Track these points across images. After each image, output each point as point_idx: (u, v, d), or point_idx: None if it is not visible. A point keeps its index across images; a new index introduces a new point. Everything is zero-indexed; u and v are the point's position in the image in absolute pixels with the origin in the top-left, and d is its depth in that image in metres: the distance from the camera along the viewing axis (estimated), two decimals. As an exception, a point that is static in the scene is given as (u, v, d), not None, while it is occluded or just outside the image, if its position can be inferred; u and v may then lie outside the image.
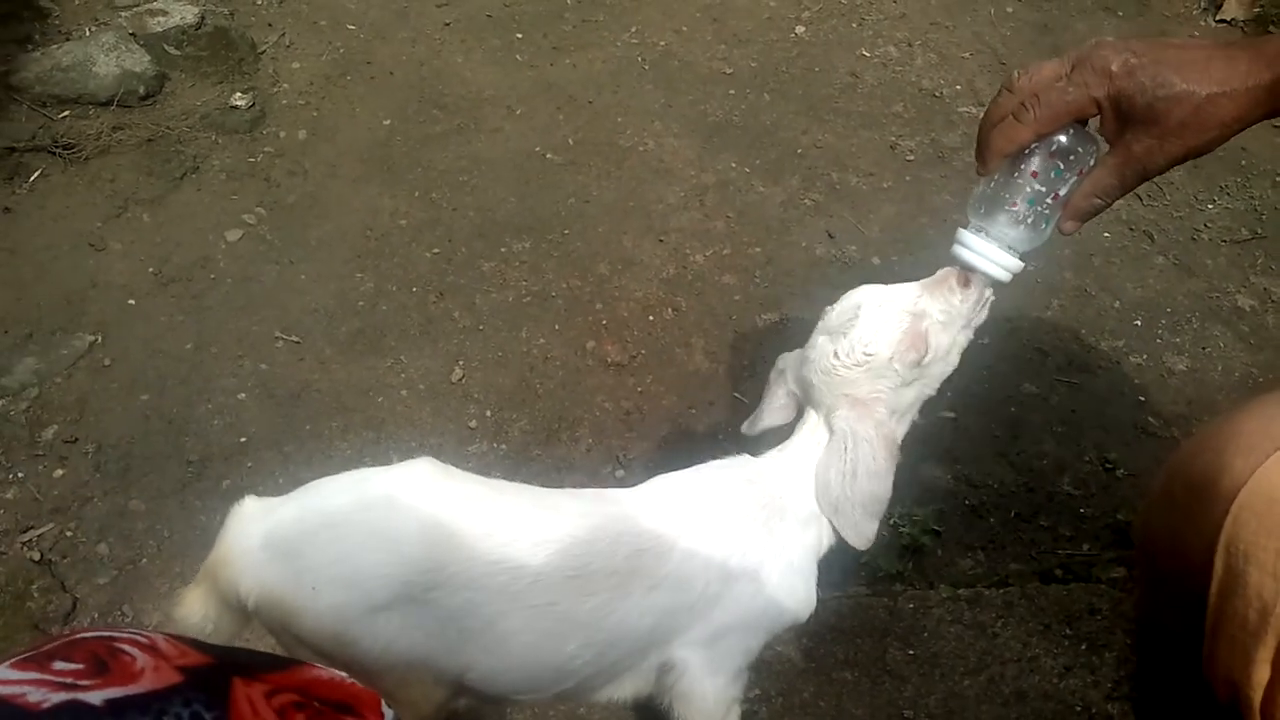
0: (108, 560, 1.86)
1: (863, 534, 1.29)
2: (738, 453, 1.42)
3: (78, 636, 0.63)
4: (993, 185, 1.21)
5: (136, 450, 2.02)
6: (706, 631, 1.29)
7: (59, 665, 0.60)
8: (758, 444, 1.42)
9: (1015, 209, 1.19)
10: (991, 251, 1.23)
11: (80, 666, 0.60)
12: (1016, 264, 1.24)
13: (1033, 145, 1.15)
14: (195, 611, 1.20)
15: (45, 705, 0.56)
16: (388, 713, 0.69)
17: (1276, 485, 0.76)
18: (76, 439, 2.03)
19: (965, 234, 1.25)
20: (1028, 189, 1.18)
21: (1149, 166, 1.05)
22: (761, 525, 1.31)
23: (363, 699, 0.69)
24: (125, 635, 0.64)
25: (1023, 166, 1.17)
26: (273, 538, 1.17)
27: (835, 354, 1.30)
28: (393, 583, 1.15)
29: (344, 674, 0.71)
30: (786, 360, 1.43)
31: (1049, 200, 1.18)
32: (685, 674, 1.30)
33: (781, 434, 1.41)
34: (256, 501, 1.22)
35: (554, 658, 1.24)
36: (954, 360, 1.34)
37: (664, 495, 1.35)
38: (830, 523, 1.32)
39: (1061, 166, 1.16)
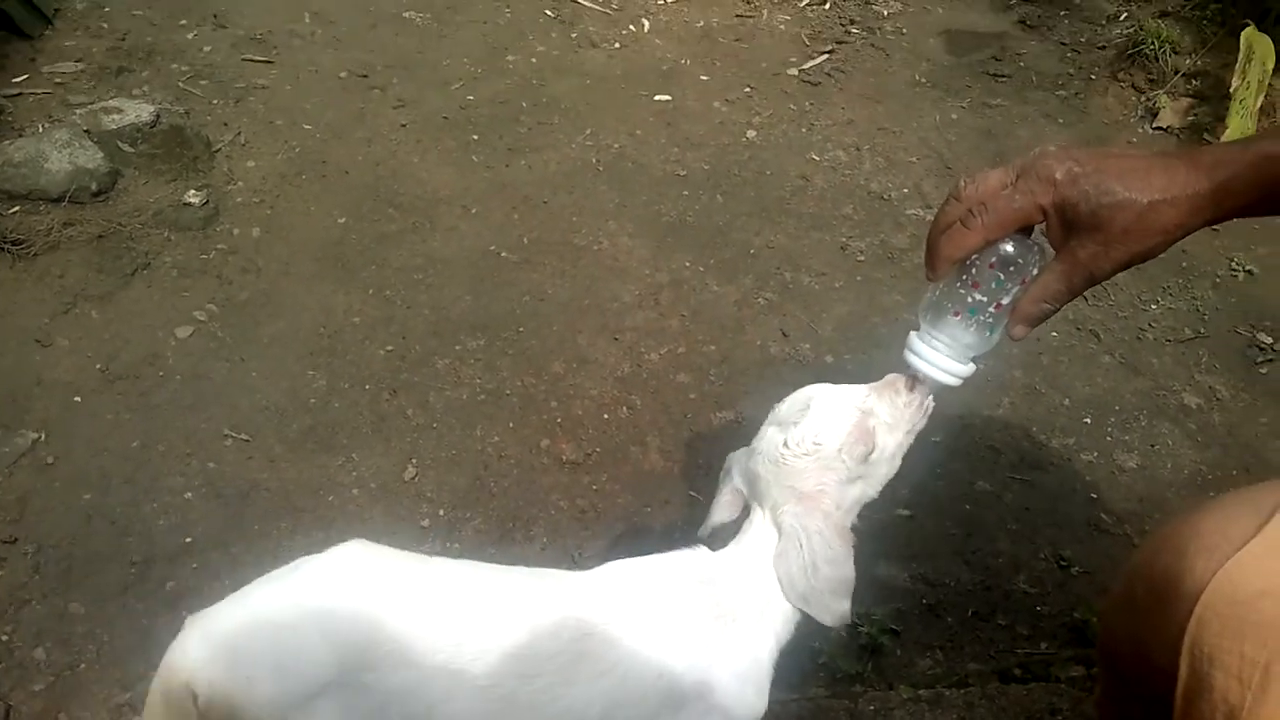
0: (44, 666, 1.80)
1: (836, 614, 1.29)
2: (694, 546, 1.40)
3: None
4: (939, 292, 1.23)
5: (78, 551, 1.97)
6: None
7: None
8: (713, 539, 1.41)
9: (959, 318, 1.22)
10: (937, 358, 1.25)
11: None
12: (963, 369, 1.26)
13: (975, 256, 1.17)
14: None
15: None
16: None
17: (1238, 587, 0.76)
18: (16, 539, 1.97)
19: (914, 339, 1.27)
20: (969, 299, 1.20)
21: (1095, 272, 1.07)
22: (712, 629, 1.30)
23: None
24: None
25: (964, 277, 1.20)
26: (209, 635, 1.14)
27: (785, 443, 1.31)
28: (325, 667, 1.12)
29: None
30: (733, 458, 1.44)
31: (992, 309, 1.20)
32: None
33: (732, 529, 1.40)
34: (196, 616, 1.18)
35: None
36: (896, 463, 1.37)
37: (616, 581, 1.33)
38: (785, 617, 1.32)
39: (1003, 277, 1.18)
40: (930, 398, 1.35)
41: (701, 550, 1.38)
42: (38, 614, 1.87)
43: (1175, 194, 1.00)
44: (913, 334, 1.28)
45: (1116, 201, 1.01)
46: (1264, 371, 2.64)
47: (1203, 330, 2.77)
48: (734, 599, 1.32)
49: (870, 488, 1.36)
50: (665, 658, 1.26)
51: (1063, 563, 2.14)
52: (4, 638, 1.83)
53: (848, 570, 1.29)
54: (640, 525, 2.12)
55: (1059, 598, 2.08)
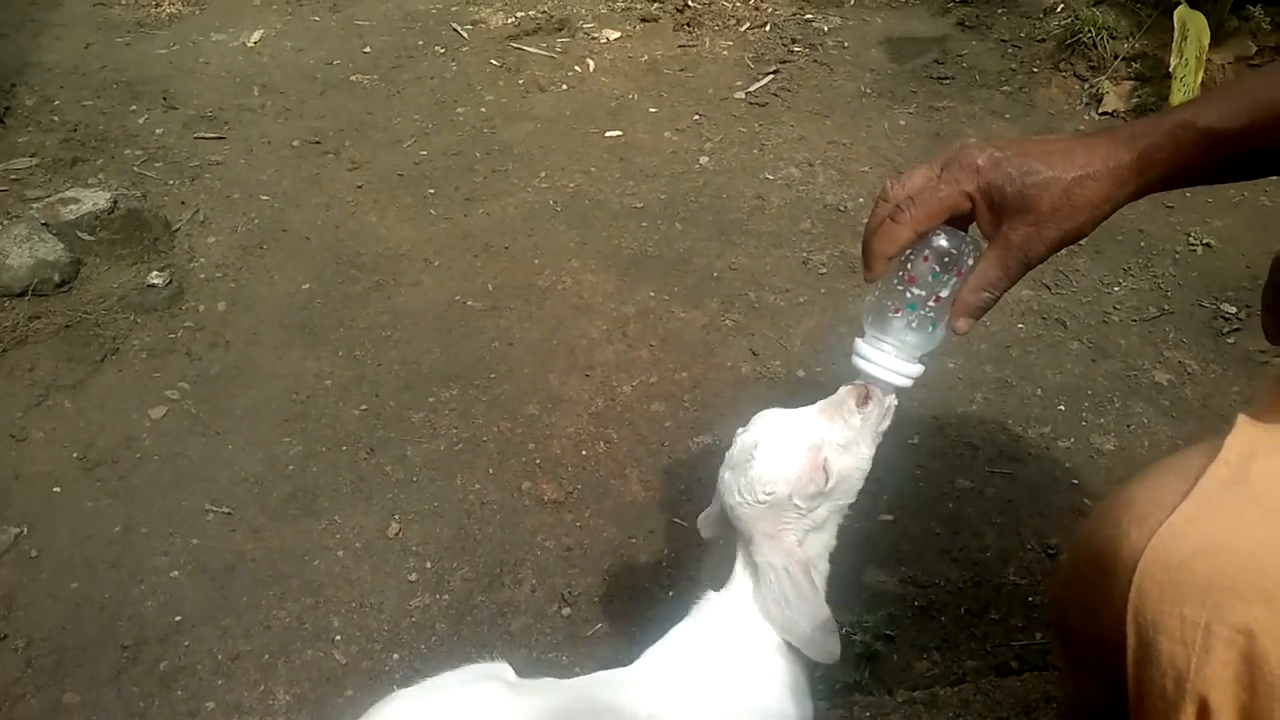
0: (42, 760, 1.80)
1: (825, 650, 1.31)
2: (696, 592, 1.43)
3: None
4: (879, 293, 1.24)
5: (69, 641, 1.96)
6: None
7: None
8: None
9: (898, 315, 1.22)
10: (885, 360, 1.24)
11: None
12: (912, 369, 1.26)
13: (908, 253, 1.18)
14: None
15: None
16: None
17: (1172, 551, 0.77)
18: (6, 635, 1.97)
19: (859, 344, 1.27)
20: (907, 294, 1.21)
21: (1029, 254, 1.08)
22: (749, 667, 1.34)
23: None
24: None
25: (900, 274, 1.20)
26: None
27: (738, 491, 1.32)
28: None
29: None
30: (719, 478, 1.45)
31: (931, 304, 1.21)
32: None
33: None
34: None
35: None
36: (866, 468, 1.36)
37: (664, 667, 1.38)
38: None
39: (938, 269, 1.19)
40: (892, 398, 1.35)
41: (708, 600, 1.40)
42: (33, 709, 1.86)
43: (1097, 168, 1.01)
44: (858, 340, 1.29)
45: (1041, 180, 1.02)
46: (1231, 341, 2.67)
47: (1167, 307, 2.79)
48: (749, 636, 1.35)
49: (843, 498, 1.36)
50: (722, 714, 1.32)
51: (1050, 551, 2.15)
52: (0, 735, 1.83)
53: (818, 604, 1.30)
54: (627, 558, 2.13)
55: (1049, 587, 2.08)
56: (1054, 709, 1.76)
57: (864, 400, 1.30)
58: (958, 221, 1.16)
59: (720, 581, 1.42)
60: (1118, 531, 0.81)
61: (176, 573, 2.09)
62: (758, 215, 3.12)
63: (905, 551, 2.14)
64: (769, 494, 1.29)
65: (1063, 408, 2.49)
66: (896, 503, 2.19)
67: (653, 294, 2.81)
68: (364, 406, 2.46)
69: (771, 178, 3.29)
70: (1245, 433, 0.83)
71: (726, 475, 1.34)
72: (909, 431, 2.36)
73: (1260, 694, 0.73)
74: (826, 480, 1.30)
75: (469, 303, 2.78)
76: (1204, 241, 2.99)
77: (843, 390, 1.32)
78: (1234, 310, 2.75)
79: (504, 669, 1.34)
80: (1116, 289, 2.85)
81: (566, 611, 2.03)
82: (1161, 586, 0.77)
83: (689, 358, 2.61)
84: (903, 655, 1.96)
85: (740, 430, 1.38)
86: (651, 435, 2.39)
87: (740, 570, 1.37)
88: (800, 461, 1.29)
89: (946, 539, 2.17)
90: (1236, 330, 2.69)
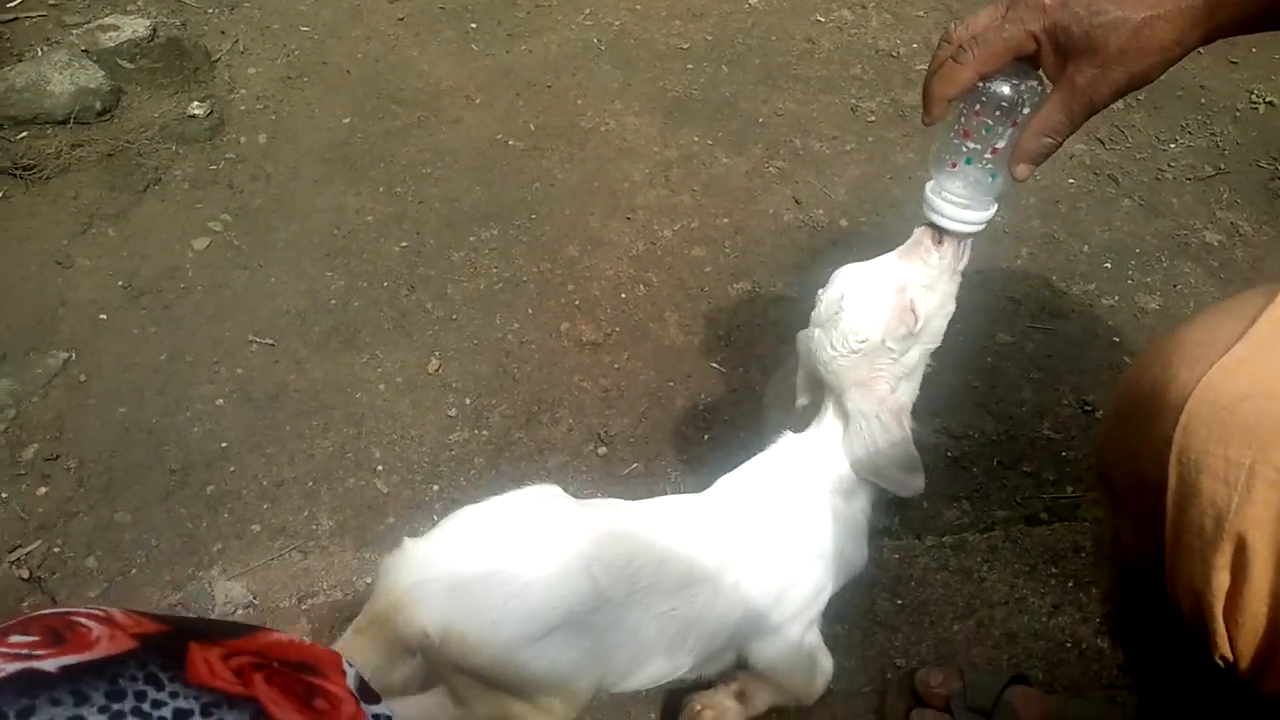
0: (97, 573, 1.86)
1: (909, 486, 1.37)
2: (776, 434, 1.50)
3: (35, 614, 0.64)
4: (939, 144, 1.24)
5: (118, 463, 2.02)
6: (788, 609, 1.41)
7: (15, 639, 0.60)
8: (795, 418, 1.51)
9: (955, 170, 1.22)
10: (948, 209, 1.25)
11: (36, 639, 0.61)
12: (979, 216, 1.26)
13: (963, 106, 1.16)
14: (357, 661, 1.25)
15: (1, 675, 0.57)
16: (349, 671, 0.70)
17: (1221, 392, 0.77)
18: (58, 456, 2.02)
19: (927, 193, 1.28)
20: (963, 148, 1.20)
21: (1095, 98, 1.05)
22: (813, 508, 1.41)
23: (323, 659, 0.69)
24: (82, 610, 0.64)
25: (956, 127, 1.19)
26: (451, 580, 1.22)
27: (830, 345, 1.35)
28: (562, 612, 1.22)
29: (303, 638, 0.71)
30: (800, 339, 1.49)
31: (988, 156, 1.19)
32: (770, 638, 1.41)
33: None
34: (416, 544, 1.27)
35: (677, 654, 1.34)
36: (950, 308, 1.40)
37: (734, 496, 1.44)
38: (865, 486, 1.42)
39: (991, 122, 1.17)
40: (968, 240, 1.34)
41: (786, 439, 1.47)
42: (86, 525, 1.92)
43: (1168, 8, 0.97)
44: (926, 187, 1.29)
45: (1109, 21, 0.99)
46: (1288, 203, 2.61)
47: (1223, 166, 2.72)
48: (822, 478, 1.41)
49: (930, 343, 1.41)
50: (786, 550, 1.40)
51: (1086, 407, 2.15)
52: (56, 549, 1.89)
53: (908, 447, 1.36)
54: (664, 400, 2.15)
55: (1084, 442, 2.09)
56: (1082, 558, 1.78)
57: (939, 239, 1.31)
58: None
59: (802, 425, 1.47)
60: (1167, 372, 0.80)
61: (221, 401, 2.13)
62: (806, 59, 3.04)
63: (941, 403, 2.14)
64: (862, 341, 1.33)
65: (1109, 265, 2.46)
66: (935, 354, 2.17)
67: (696, 138, 2.77)
68: (405, 243, 2.47)
69: (822, 20, 3.19)
70: (1306, 277, 0.81)
71: (816, 333, 1.38)
72: None
73: (1299, 534, 0.73)
74: (915, 321, 1.33)
75: (510, 142, 2.75)
76: (1267, 100, 2.89)
77: (918, 232, 1.34)
78: (1293, 171, 2.68)
79: (556, 489, 1.39)
80: (1172, 146, 2.78)
81: (602, 451, 2.06)
82: (1208, 427, 0.77)
83: (731, 203, 2.58)
84: (933, 504, 1.98)
85: (821, 290, 1.40)
86: (691, 280, 2.39)
87: (830, 418, 1.42)
88: (888, 305, 1.32)
89: (983, 392, 2.17)
90: (1296, 191, 2.63)
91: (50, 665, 0.58)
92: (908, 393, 1.42)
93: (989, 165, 1.21)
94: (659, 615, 1.30)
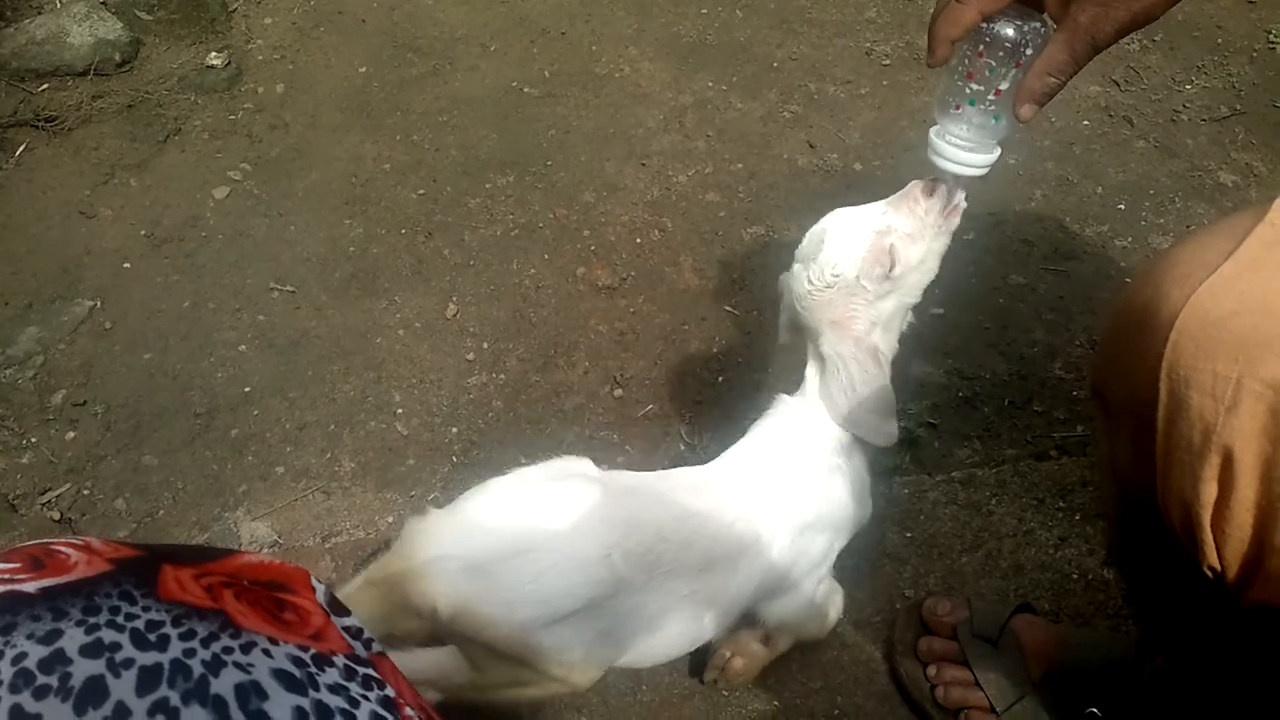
0: (126, 515, 1.91)
1: (883, 433, 1.41)
2: (771, 395, 1.51)
3: (17, 546, 0.68)
4: (943, 87, 1.24)
5: (144, 408, 2.06)
6: (801, 571, 1.44)
7: None
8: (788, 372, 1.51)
9: (959, 111, 1.22)
10: (952, 153, 1.26)
11: (18, 565, 0.65)
12: (981, 158, 1.27)
13: (966, 47, 1.17)
14: (361, 611, 1.27)
15: None
16: (318, 586, 0.73)
17: (1209, 309, 0.79)
18: (85, 401, 2.07)
19: (931, 136, 1.29)
20: (967, 89, 1.21)
21: (1098, 36, 1.05)
22: (827, 469, 1.43)
23: (293, 576, 0.73)
24: (63, 541, 0.69)
25: (959, 69, 1.20)
26: (469, 560, 1.24)
27: (808, 279, 1.38)
28: (579, 599, 1.24)
29: (274, 559, 0.75)
30: (782, 281, 1.51)
31: (991, 97, 1.20)
32: (784, 597, 1.46)
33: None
34: (439, 516, 1.29)
35: (694, 632, 1.37)
36: (932, 267, 1.41)
37: (744, 468, 1.45)
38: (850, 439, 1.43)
39: (994, 64, 1.17)
40: (962, 195, 1.36)
41: (782, 404, 1.48)
42: (114, 468, 1.97)
43: None
44: (930, 132, 1.30)
45: None
46: (1305, 142, 2.60)
47: (1239, 107, 2.71)
48: (823, 440, 1.43)
49: (908, 296, 1.42)
50: (800, 517, 1.41)
51: (1098, 347, 2.16)
52: (86, 492, 1.94)
53: (884, 390, 1.38)
54: (679, 343, 2.18)
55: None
56: (1089, 492, 1.81)
57: (930, 192, 1.33)
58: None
59: (793, 385, 1.48)
60: (1159, 292, 0.83)
61: (244, 347, 2.17)
62: (821, 3, 3.04)
63: (953, 344, 2.16)
64: (836, 275, 1.35)
65: (1123, 207, 2.46)
66: (948, 297, 2.20)
67: (711, 84, 2.77)
68: (422, 191, 2.49)
69: (837, -36, 3.18)
70: (1294, 195, 0.83)
71: (796, 267, 1.41)
72: (965, 227, 2.29)
73: (1284, 445, 0.76)
74: (892, 265, 1.34)
75: (526, 89, 2.77)
76: (1285, 39, 2.87)
77: (912, 183, 1.37)
78: (1310, 110, 2.67)
79: (586, 464, 1.40)
80: (1188, 87, 2.77)
81: (619, 393, 2.09)
82: (1197, 343, 0.79)
83: (745, 149, 2.59)
84: (944, 443, 2.01)
85: (809, 231, 1.42)
86: (706, 225, 2.40)
87: (810, 370, 1.44)
88: (866, 244, 1.35)
89: (995, 333, 2.19)
90: (1311, 131, 2.62)
91: (30, 587, 0.63)
92: (884, 343, 1.43)
93: (992, 107, 1.22)
94: (678, 599, 1.32)
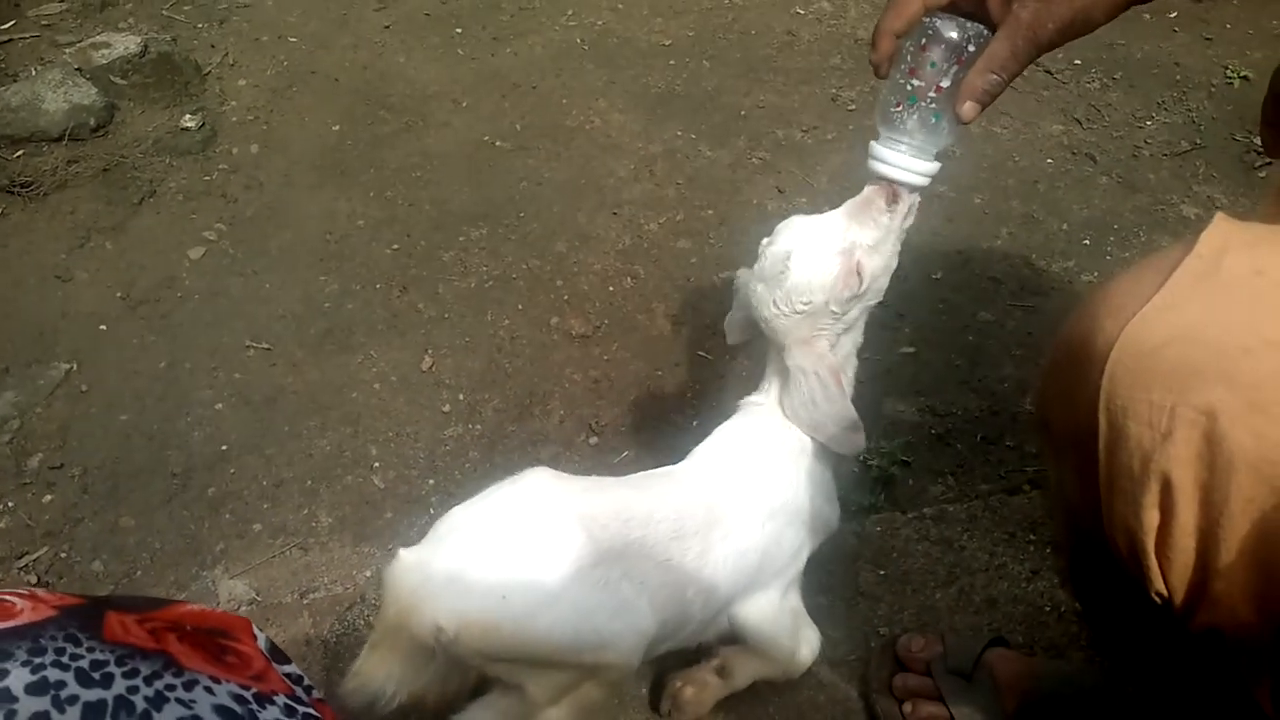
0: (103, 576, 1.91)
1: (850, 444, 1.40)
2: (737, 399, 1.52)
3: None
4: (885, 91, 1.25)
5: (121, 469, 2.07)
6: (771, 568, 1.44)
7: None
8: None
9: (899, 110, 1.22)
10: (898, 159, 1.26)
11: None
12: (925, 166, 1.27)
13: (908, 45, 1.18)
14: (379, 674, 1.26)
15: None
16: (259, 635, 0.75)
17: (1143, 340, 0.81)
18: (62, 464, 2.07)
19: (874, 145, 1.28)
20: (908, 86, 1.20)
21: (1039, 33, 1.06)
22: (791, 468, 1.44)
23: (234, 624, 0.74)
24: (8, 590, 0.71)
25: (902, 67, 1.20)
26: (451, 574, 1.23)
27: (774, 304, 1.36)
28: (564, 570, 1.24)
29: (215, 608, 0.77)
30: (740, 277, 1.49)
31: (932, 94, 1.20)
32: (755, 597, 1.45)
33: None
34: (410, 551, 1.28)
35: (680, 606, 1.35)
36: (893, 265, 1.40)
37: (709, 461, 1.47)
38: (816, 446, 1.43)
39: (936, 60, 1.18)
40: (915, 196, 1.35)
41: (747, 405, 1.49)
42: (91, 530, 1.97)
43: None
44: (872, 141, 1.29)
45: None
46: (1263, 175, 2.64)
47: (1199, 141, 2.76)
48: (788, 441, 1.43)
49: (873, 299, 1.41)
50: (762, 503, 1.42)
51: (1040, 380, 2.17)
52: (63, 555, 1.94)
53: (844, 405, 1.38)
54: (653, 389, 2.19)
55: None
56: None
57: (893, 199, 1.32)
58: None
59: (753, 386, 1.49)
60: (1095, 324, 0.85)
61: (221, 405, 2.18)
62: (787, 51, 3.09)
63: (925, 382, 2.18)
64: (806, 304, 1.33)
65: (1088, 242, 2.50)
66: (918, 335, 2.23)
67: (680, 132, 2.81)
68: (396, 246, 2.51)
69: (802, 12, 3.24)
70: (1220, 228, 0.86)
71: (759, 288, 1.38)
72: (933, 266, 2.39)
73: (1218, 470, 0.77)
74: (860, 283, 1.33)
75: (497, 143, 2.80)
76: (1241, 74, 2.93)
77: (869, 190, 1.34)
78: (1268, 143, 2.71)
79: (542, 469, 1.40)
80: (1149, 123, 2.82)
81: (594, 440, 2.10)
82: (1132, 374, 0.81)
83: (715, 195, 2.63)
84: (918, 479, 2.02)
85: (766, 241, 1.41)
86: (677, 271, 2.43)
87: (771, 377, 1.45)
88: (835, 268, 1.32)
89: (966, 370, 2.21)
90: (1269, 163, 2.66)
91: None
92: (848, 345, 1.43)
93: (933, 105, 1.21)
94: (659, 564, 1.31)
